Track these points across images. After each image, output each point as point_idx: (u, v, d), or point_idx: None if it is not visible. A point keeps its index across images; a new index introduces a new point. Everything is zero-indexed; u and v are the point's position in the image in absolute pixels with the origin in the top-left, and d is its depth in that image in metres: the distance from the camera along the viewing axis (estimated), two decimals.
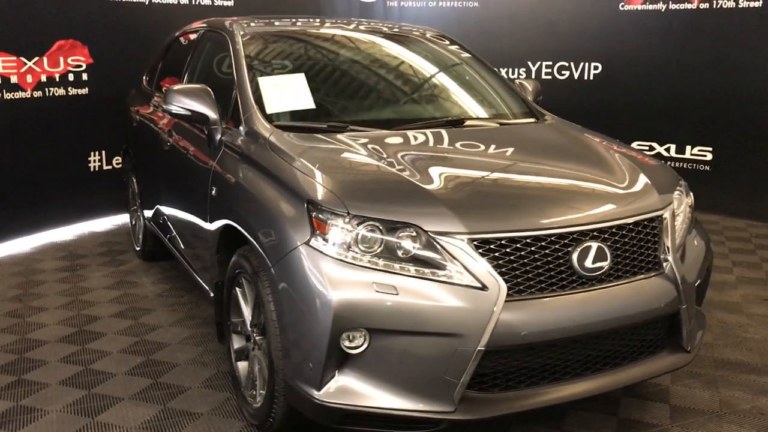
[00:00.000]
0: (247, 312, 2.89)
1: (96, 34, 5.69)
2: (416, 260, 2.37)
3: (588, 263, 2.48)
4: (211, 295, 3.37)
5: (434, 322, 2.30)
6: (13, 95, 5.20)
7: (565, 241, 2.48)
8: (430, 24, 5.19)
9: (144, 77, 5.13)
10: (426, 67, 4.08)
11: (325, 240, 2.40)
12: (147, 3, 6.01)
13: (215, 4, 6.57)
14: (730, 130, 6.29)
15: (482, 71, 4.07)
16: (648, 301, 2.60)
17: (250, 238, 2.74)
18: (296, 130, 3.09)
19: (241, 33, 3.70)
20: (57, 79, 5.48)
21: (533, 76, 7.23)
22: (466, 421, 2.35)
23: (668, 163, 6.58)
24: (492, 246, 2.39)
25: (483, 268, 2.35)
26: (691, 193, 3.11)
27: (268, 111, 3.23)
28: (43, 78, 5.38)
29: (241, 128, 3.20)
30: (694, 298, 2.81)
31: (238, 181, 3.00)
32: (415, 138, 3.15)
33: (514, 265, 2.40)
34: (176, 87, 3.29)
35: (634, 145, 6.71)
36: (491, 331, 2.29)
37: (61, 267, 4.90)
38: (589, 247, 2.49)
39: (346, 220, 2.40)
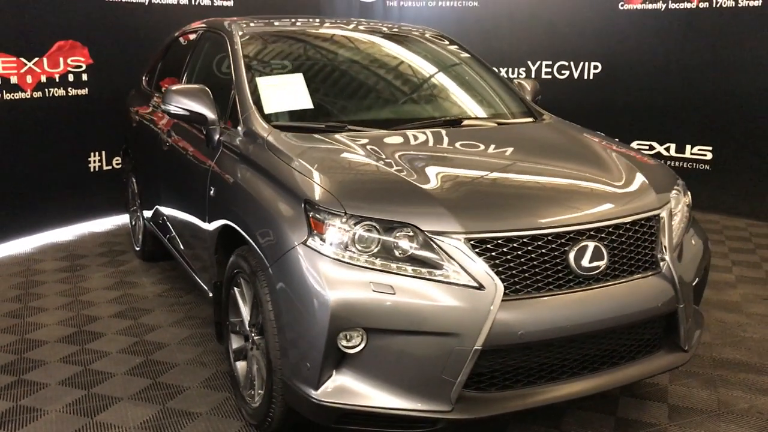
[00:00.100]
0: (245, 312, 2.90)
1: (96, 34, 5.70)
2: (413, 260, 2.38)
3: (585, 263, 2.48)
4: (210, 295, 3.38)
5: (431, 322, 2.30)
6: (13, 96, 5.21)
7: (562, 241, 2.48)
8: (430, 24, 5.20)
9: (143, 77, 5.14)
10: (424, 67, 4.08)
11: (323, 240, 2.41)
12: (147, 3, 6.02)
13: (215, 4, 6.58)
14: (730, 130, 6.29)
15: (481, 71, 4.07)
16: (645, 300, 2.60)
17: (248, 238, 2.75)
18: (294, 130, 3.10)
19: (240, 33, 3.71)
20: (57, 80, 5.48)
21: (533, 76, 7.23)
22: (463, 421, 2.36)
23: (668, 162, 6.59)
24: (489, 245, 2.39)
25: (480, 267, 2.35)
26: (689, 193, 3.11)
27: (266, 111, 3.23)
28: (43, 78, 5.39)
29: (239, 128, 3.20)
30: (692, 298, 2.81)
31: (236, 181, 3.01)
32: (413, 138, 3.15)
33: (511, 264, 2.40)
34: (174, 87, 3.30)
35: (634, 144, 6.71)
36: (488, 331, 2.29)
37: (61, 267, 4.91)
38: (586, 246, 2.50)
39: (344, 219, 2.40)
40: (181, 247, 3.98)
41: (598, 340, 2.57)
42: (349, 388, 2.37)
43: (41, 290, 4.48)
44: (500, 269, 2.38)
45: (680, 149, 6.60)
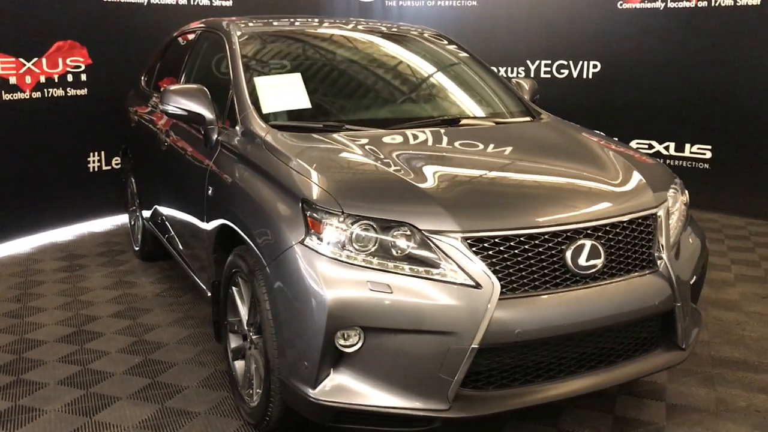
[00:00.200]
0: (243, 311, 2.90)
1: (95, 34, 5.71)
2: (410, 259, 2.38)
3: (582, 261, 2.49)
4: (209, 294, 3.39)
5: (428, 321, 2.31)
6: (12, 96, 5.21)
7: (559, 240, 2.49)
8: (429, 23, 5.20)
9: (142, 78, 5.14)
10: (423, 67, 4.09)
11: (320, 239, 2.41)
12: (145, 3, 6.02)
13: (214, 4, 6.58)
14: (730, 128, 6.29)
15: (479, 70, 4.07)
16: (642, 298, 2.60)
17: (246, 238, 2.75)
18: (292, 130, 3.10)
19: (238, 33, 3.71)
20: (56, 80, 5.49)
21: (532, 75, 7.23)
22: (461, 419, 2.36)
23: (667, 161, 6.59)
24: (486, 244, 2.40)
25: (477, 266, 2.35)
26: (686, 191, 3.11)
27: (264, 111, 3.24)
28: (42, 79, 5.39)
29: (237, 128, 3.21)
30: (689, 296, 2.82)
31: (234, 181, 3.01)
32: (411, 137, 3.16)
33: (508, 263, 2.41)
34: (173, 87, 3.30)
35: (634, 143, 6.72)
36: (485, 329, 2.30)
37: (60, 267, 4.92)
38: (583, 245, 2.50)
39: (341, 219, 2.41)
40: (180, 246, 3.99)
41: (596, 338, 2.58)
42: (347, 387, 2.37)
43: (40, 290, 4.49)
44: (497, 268, 2.39)
45: (679, 148, 6.60)
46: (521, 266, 2.42)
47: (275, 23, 4.08)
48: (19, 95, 5.25)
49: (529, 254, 2.44)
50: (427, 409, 2.34)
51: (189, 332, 3.85)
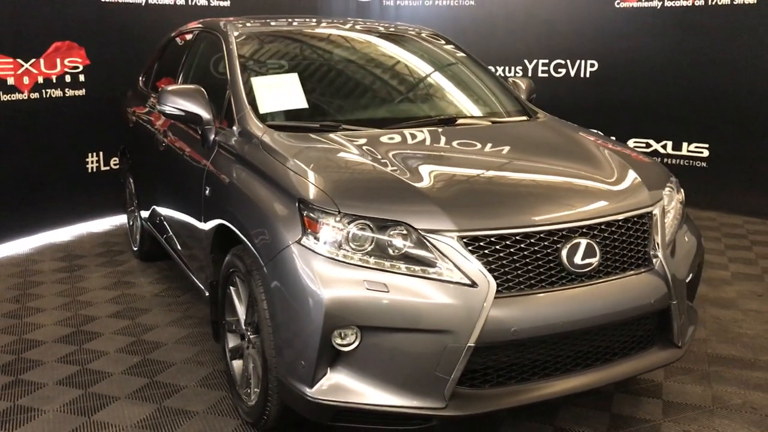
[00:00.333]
0: (241, 311, 2.91)
1: (93, 35, 5.72)
2: (407, 258, 2.39)
3: (577, 260, 2.50)
4: (207, 294, 3.40)
5: (425, 319, 2.32)
6: (10, 97, 5.22)
7: (554, 238, 2.50)
8: (427, 23, 5.21)
9: (140, 78, 5.15)
10: (420, 67, 4.09)
11: (317, 239, 2.42)
12: (143, 4, 6.03)
13: (211, 4, 6.59)
14: (727, 127, 6.30)
15: (476, 70, 4.08)
16: (638, 297, 2.61)
17: (243, 238, 2.76)
18: (289, 130, 3.11)
19: (235, 33, 3.72)
20: (54, 81, 5.50)
21: (530, 75, 7.24)
22: (457, 417, 2.37)
23: (665, 160, 6.61)
24: (482, 243, 2.41)
25: (473, 265, 2.36)
26: (682, 190, 3.12)
27: (261, 111, 3.25)
28: (40, 80, 5.40)
29: (234, 128, 3.22)
30: (685, 294, 2.82)
31: (232, 181, 3.02)
32: (407, 137, 3.17)
33: (504, 262, 2.42)
34: (170, 88, 3.31)
35: (631, 142, 6.73)
36: (481, 328, 2.31)
37: (59, 268, 4.93)
38: (578, 243, 2.51)
39: (337, 218, 2.42)
40: (178, 246, 3.99)
41: (592, 336, 2.58)
42: (344, 386, 2.38)
43: (39, 290, 4.50)
44: (493, 267, 2.40)
45: (677, 147, 6.61)
46: (517, 265, 2.43)
47: (273, 23, 4.09)
48: (17, 96, 5.26)
49: (525, 253, 2.45)
50: (424, 407, 2.35)
51: (187, 332, 3.86)
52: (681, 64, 6.44)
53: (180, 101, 3.26)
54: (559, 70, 7.14)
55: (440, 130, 3.31)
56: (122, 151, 5.36)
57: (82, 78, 5.69)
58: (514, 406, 2.49)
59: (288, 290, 2.45)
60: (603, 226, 2.60)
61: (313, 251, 2.40)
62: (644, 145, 6.75)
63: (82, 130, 5.75)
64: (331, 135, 3.08)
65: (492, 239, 2.42)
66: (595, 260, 2.53)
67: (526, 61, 7.32)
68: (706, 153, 6.45)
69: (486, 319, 2.31)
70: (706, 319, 3.99)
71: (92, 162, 5.95)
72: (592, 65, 6.97)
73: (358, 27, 4.25)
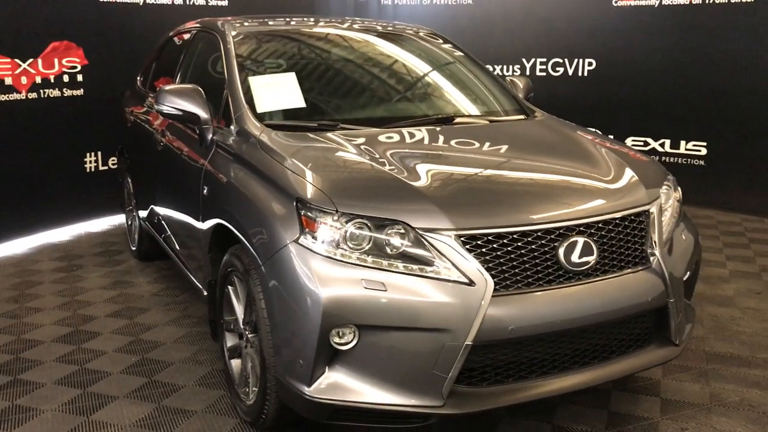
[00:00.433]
0: (239, 310, 2.92)
1: (91, 35, 5.72)
2: (404, 257, 2.39)
3: (574, 258, 2.50)
4: (205, 293, 3.40)
5: (422, 318, 2.32)
6: (8, 97, 5.22)
7: (552, 237, 2.50)
8: (425, 22, 5.22)
9: (138, 78, 5.15)
10: (418, 66, 4.10)
11: (314, 238, 2.43)
12: (141, 4, 6.03)
13: (209, 4, 6.59)
14: (725, 125, 6.31)
15: (474, 69, 4.09)
16: (635, 295, 2.62)
17: (241, 237, 2.76)
18: (287, 129, 3.11)
19: (233, 33, 3.72)
20: (52, 81, 5.50)
21: (528, 73, 7.25)
22: (455, 415, 2.38)
23: (662, 158, 6.61)
24: (479, 242, 2.41)
25: (470, 264, 2.37)
26: (679, 188, 3.13)
27: (259, 110, 3.25)
28: (38, 80, 5.40)
29: (232, 127, 3.22)
30: (683, 292, 2.83)
31: (229, 181, 3.02)
32: (405, 136, 3.17)
33: (501, 260, 2.42)
34: (167, 87, 3.31)
35: (629, 140, 6.74)
36: (479, 326, 2.31)
37: (57, 267, 4.93)
38: (576, 242, 2.51)
39: (335, 217, 2.42)
40: (176, 246, 4.00)
41: (589, 334, 2.59)
42: (342, 385, 2.39)
43: (38, 290, 4.50)
44: (490, 265, 2.40)
45: (675, 145, 6.62)
46: (514, 263, 2.44)
47: (270, 23, 4.09)
48: (14, 96, 5.26)
49: (522, 251, 2.45)
50: (421, 405, 2.35)
51: (186, 331, 3.86)
52: (679, 62, 6.45)
53: (178, 101, 3.27)
54: (557, 68, 7.15)
55: (438, 129, 3.31)
56: (120, 150, 5.36)
57: (80, 78, 5.69)
58: (512, 404, 2.50)
59: (286, 289, 2.45)
60: (600, 225, 2.60)
61: (311, 250, 2.41)
62: (642, 143, 6.76)
63: (81, 130, 5.75)
64: (329, 134, 3.08)
65: (489, 238, 2.43)
66: (592, 258, 2.54)
67: (524, 60, 7.33)
68: (703, 151, 6.46)
69: (483, 318, 2.32)
70: (704, 317, 4.00)
71: (90, 162, 5.95)
72: (590, 64, 6.97)
73: (355, 26, 4.26)
